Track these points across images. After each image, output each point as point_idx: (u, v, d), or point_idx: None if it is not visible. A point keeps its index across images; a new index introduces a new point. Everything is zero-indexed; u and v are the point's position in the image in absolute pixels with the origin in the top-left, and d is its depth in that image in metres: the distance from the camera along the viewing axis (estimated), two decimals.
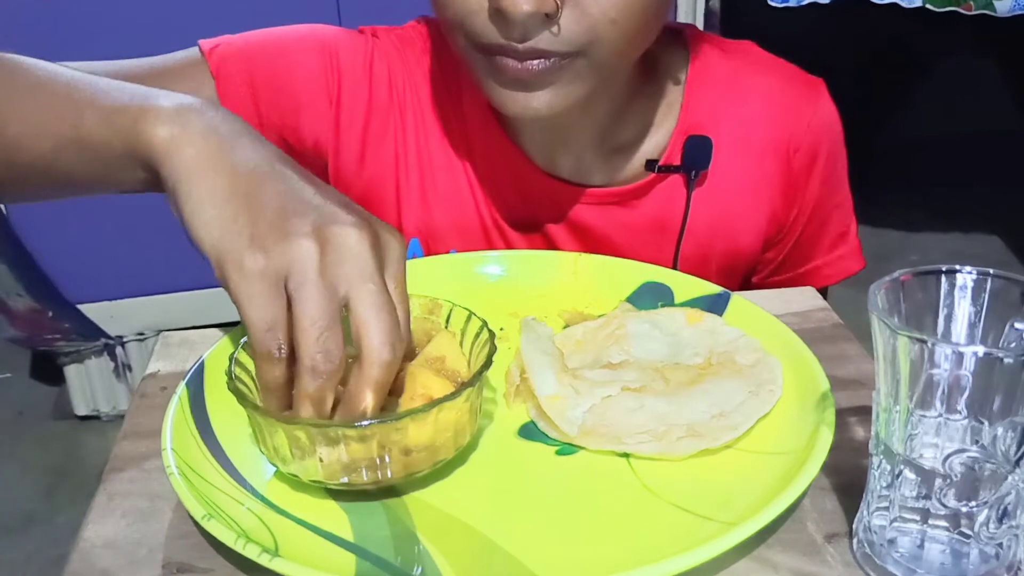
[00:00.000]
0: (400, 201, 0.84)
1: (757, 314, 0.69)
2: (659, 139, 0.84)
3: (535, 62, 0.68)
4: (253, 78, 0.80)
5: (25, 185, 0.66)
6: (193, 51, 0.80)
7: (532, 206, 0.84)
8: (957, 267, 0.49)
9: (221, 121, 0.56)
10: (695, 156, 0.82)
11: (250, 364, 0.57)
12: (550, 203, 0.84)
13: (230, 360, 0.55)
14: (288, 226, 0.51)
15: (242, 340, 0.57)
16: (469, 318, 0.60)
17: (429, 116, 0.83)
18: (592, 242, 0.84)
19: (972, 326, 0.49)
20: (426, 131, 0.83)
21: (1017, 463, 0.45)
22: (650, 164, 0.83)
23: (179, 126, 0.55)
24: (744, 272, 0.89)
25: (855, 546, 0.51)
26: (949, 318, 0.49)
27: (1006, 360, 0.43)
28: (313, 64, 0.81)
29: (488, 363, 0.56)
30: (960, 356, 0.44)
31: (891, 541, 0.49)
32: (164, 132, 0.55)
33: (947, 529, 0.47)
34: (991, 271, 0.49)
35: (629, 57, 0.75)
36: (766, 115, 0.85)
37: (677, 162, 0.83)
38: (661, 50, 0.81)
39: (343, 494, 0.55)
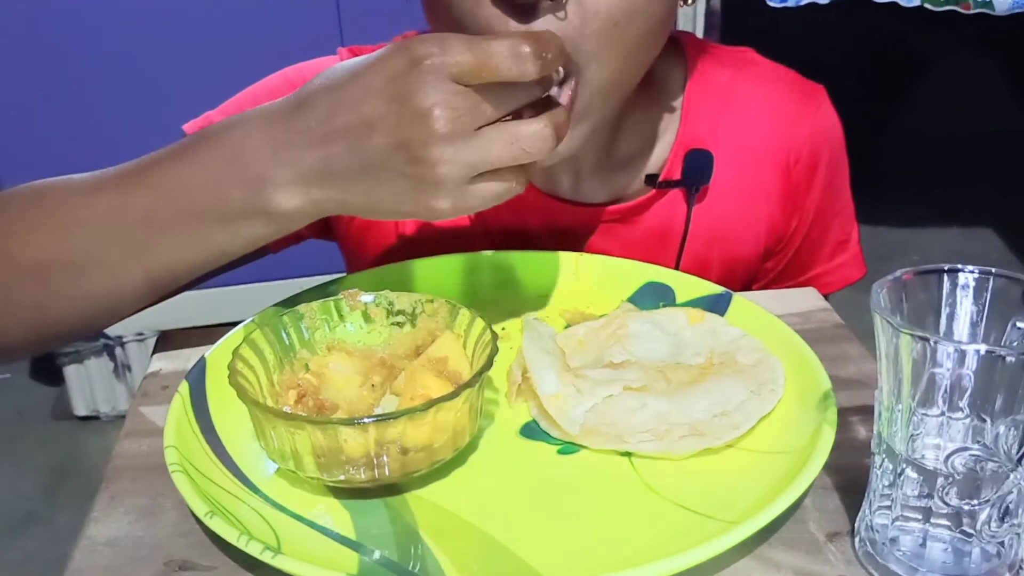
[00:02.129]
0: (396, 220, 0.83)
1: (759, 314, 0.69)
2: (659, 153, 0.83)
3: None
4: None
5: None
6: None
7: (528, 223, 0.83)
8: (959, 266, 0.49)
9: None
10: (696, 171, 0.81)
11: (252, 359, 0.57)
12: (548, 221, 0.83)
13: (232, 354, 0.56)
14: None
15: (241, 340, 0.57)
16: (473, 320, 0.60)
17: None
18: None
19: (974, 325, 0.49)
20: None
21: (1019, 462, 0.45)
22: (650, 179, 0.81)
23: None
24: (743, 281, 0.88)
25: (857, 545, 0.51)
26: (951, 317, 0.49)
27: (1008, 359, 0.43)
28: None
29: (488, 364, 0.56)
30: (962, 354, 0.44)
31: (893, 540, 0.49)
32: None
33: (949, 528, 0.47)
34: (993, 270, 0.49)
35: (627, 79, 0.71)
36: (765, 126, 0.83)
37: (677, 176, 0.81)
38: (659, 60, 0.80)
39: (344, 492, 0.55)
